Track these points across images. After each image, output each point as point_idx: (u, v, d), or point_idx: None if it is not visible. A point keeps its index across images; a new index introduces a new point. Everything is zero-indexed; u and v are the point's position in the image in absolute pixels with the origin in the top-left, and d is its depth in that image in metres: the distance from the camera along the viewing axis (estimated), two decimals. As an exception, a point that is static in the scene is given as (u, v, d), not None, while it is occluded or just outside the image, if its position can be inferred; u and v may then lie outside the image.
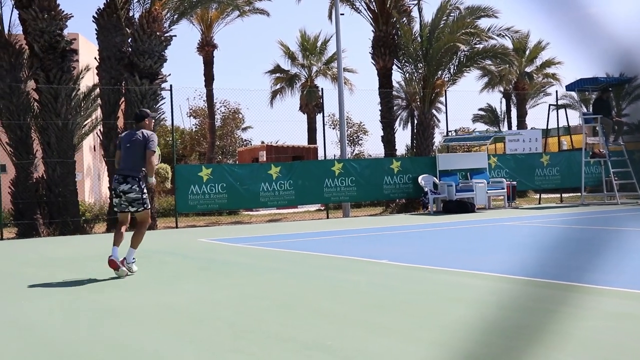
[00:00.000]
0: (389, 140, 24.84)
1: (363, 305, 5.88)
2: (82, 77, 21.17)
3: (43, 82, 17.62)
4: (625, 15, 2.12)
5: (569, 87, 22.23)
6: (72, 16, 18.28)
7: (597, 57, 2.20)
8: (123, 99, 19.24)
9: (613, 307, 5.43)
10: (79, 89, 19.88)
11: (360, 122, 48.68)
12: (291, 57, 40.85)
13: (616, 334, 4.52)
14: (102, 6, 19.16)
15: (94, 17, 19.17)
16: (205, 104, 38.12)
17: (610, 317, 5.03)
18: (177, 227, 18.51)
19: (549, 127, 24.70)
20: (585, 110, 26.38)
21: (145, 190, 8.49)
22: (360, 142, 49.16)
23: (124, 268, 8.32)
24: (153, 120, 9.01)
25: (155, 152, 8.39)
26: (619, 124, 21.31)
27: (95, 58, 19.72)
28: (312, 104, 40.03)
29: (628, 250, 9.31)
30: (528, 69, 41.00)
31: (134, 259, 8.49)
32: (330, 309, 5.80)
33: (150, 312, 5.98)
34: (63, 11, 18.04)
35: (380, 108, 24.94)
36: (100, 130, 20.03)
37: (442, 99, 25.05)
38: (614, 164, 20.34)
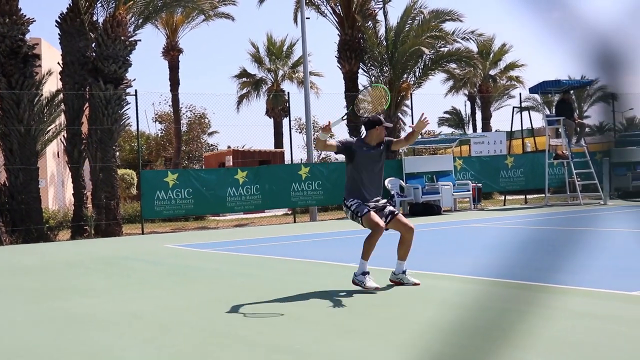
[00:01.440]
0: (355, 143, 24.85)
1: (332, 309, 5.88)
2: (45, 83, 20.90)
3: (5, 88, 17.36)
4: (597, 17, 2.15)
5: (532, 90, 22.55)
6: (34, 21, 18.06)
7: (569, 59, 2.22)
8: (87, 104, 19.04)
9: (579, 306, 5.50)
10: (42, 95, 19.63)
11: (327, 126, 48.72)
12: (258, 60, 40.80)
13: (582, 332, 4.57)
14: (65, 10, 18.96)
15: (56, 21, 18.97)
16: (171, 109, 37.85)
17: (577, 316, 5.10)
18: (143, 233, 18.35)
19: (513, 130, 24.99)
20: (548, 112, 26.76)
21: (351, 204, 6.95)
22: (326, 145, 49.17)
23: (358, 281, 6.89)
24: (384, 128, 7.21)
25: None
26: (581, 125, 21.62)
27: (58, 63, 19.49)
28: (278, 108, 40.00)
29: (592, 250, 9.44)
30: (492, 72, 41.46)
31: (363, 273, 6.82)
32: (298, 312, 5.80)
33: (117, 319, 5.92)
34: (25, 16, 17.81)
35: (346, 112, 24.98)
36: (64, 136, 19.78)
37: (408, 102, 25.21)
38: (577, 165, 20.63)
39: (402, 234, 6.95)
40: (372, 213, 6.84)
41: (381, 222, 6.79)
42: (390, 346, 4.44)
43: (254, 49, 40.83)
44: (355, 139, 7.27)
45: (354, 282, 6.84)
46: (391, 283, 6.94)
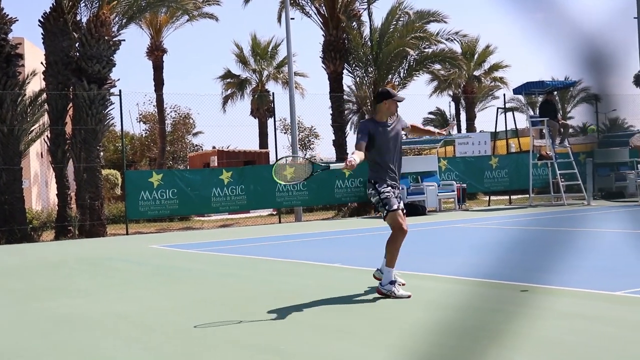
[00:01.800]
0: (340, 144, 24.90)
1: (318, 309, 5.87)
2: (29, 83, 20.74)
3: (-13, 88, 17.22)
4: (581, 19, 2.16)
5: (516, 91, 22.63)
6: (17, 20, 17.91)
7: (554, 60, 2.23)
8: (71, 104, 18.91)
9: (566, 306, 5.51)
10: (25, 95, 19.47)
11: (312, 126, 48.65)
12: (243, 61, 40.72)
13: (569, 333, 4.59)
14: (48, 10, 18.81)
15: (40, 21, 18.81)
16: (155, 109, 37.68)
17: (564, 316, 5.11)
18: (127, 233, 18.26)
19: (497, 130, 25.08)
20: (532, 113, 26.86)
21: (382, 191, 6.35)
22: (311, 146, 49.15)
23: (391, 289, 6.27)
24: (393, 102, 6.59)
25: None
26: (564, 126, 21.72)
27: (41, 63, 19.34)
28: (263, 109, 39.94)
29: (578, 250, 9.49)
30: (476, 73, 41.60)
31: (391, 282, 6.26)
32: (284, 313, 5.77)
33: (102, 320, 5.88)
34: (7, 15, 17.66)
35: (331, 112, 25.00)
36: (47, 136, 19.62)
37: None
38: (561, 165, 20.71)
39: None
40: (400, 212, 6.35)
41: (405, 225, 6.36)
42: (378, 346, 4.44)
43: (238, 50, 40.79)
44: (368, 120, 6.68)
45: (380, 292, 6.27)
46: (375, 279, 6.66)
